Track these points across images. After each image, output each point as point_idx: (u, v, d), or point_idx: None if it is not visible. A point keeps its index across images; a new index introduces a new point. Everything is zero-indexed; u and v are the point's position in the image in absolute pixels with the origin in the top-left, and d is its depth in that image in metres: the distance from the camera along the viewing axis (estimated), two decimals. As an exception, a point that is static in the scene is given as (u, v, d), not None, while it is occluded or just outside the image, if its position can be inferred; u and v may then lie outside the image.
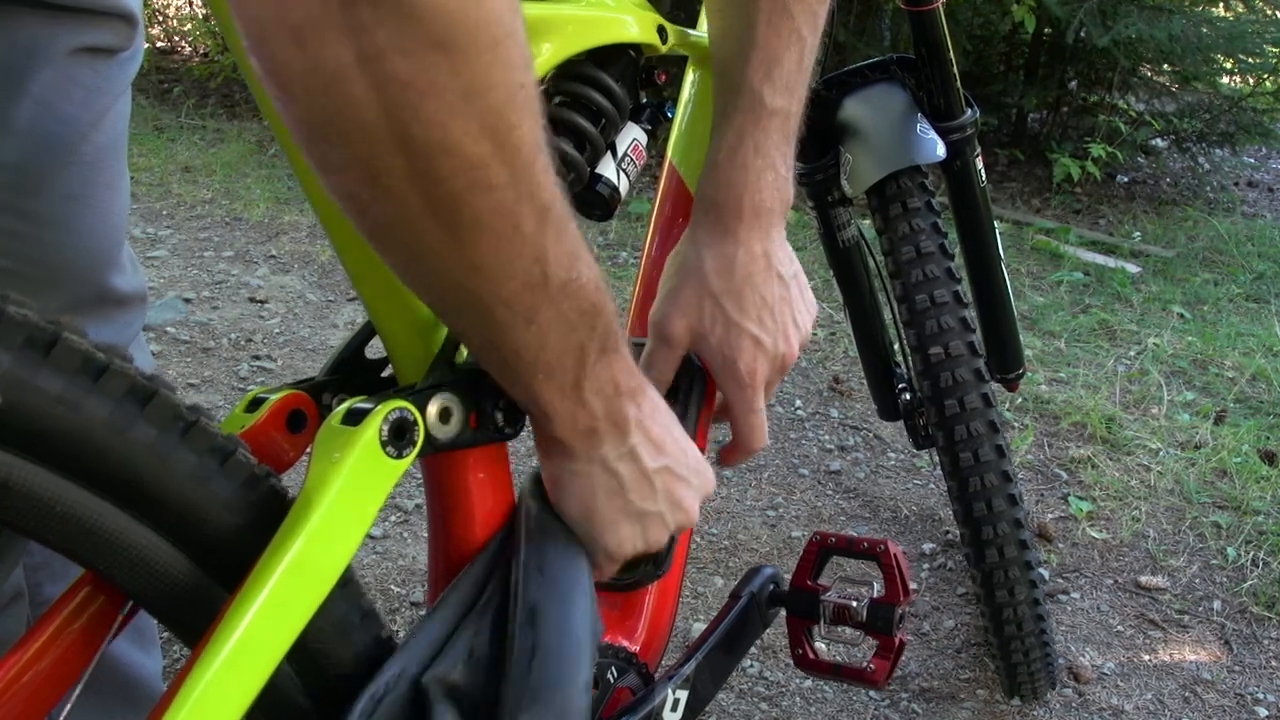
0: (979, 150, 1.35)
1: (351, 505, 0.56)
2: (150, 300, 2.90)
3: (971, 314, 1.27)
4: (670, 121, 0.93)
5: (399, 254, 0.52)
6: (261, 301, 3.05)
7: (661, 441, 0.68)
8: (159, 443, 0.52)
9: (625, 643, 0.87)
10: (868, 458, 2.32)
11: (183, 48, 6.04)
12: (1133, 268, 3.65)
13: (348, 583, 0.61)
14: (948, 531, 2.04)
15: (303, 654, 0.59)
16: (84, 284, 0.83)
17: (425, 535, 1.94)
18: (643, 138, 0.81)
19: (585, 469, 0.65)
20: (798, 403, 2.57)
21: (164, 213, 3.97)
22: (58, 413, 0.48)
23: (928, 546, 1.99)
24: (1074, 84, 4.72)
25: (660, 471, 0.68)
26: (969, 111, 1.30)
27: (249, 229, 3.73)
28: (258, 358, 2.66)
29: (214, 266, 3.34)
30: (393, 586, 1.75)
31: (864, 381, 2.71)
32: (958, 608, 1.82)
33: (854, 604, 0.88)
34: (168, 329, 2.80)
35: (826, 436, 2.41)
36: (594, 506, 0.66)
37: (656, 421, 0.67)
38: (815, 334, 2.99)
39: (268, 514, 0.57)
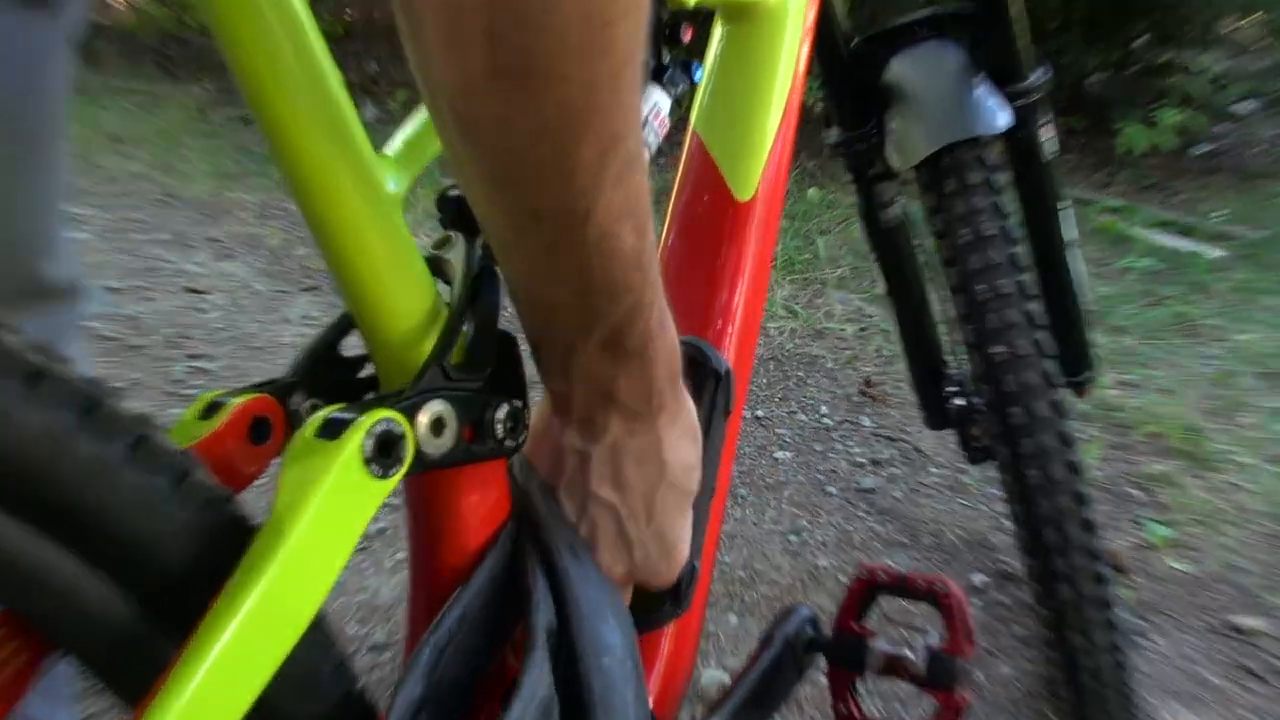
0: (1049, 117, 1.33)
1: (328, 534, 0.54)
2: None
3: (1039, 308, 1.26)
4: (696, 84, 0.92)
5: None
6: (200, 292, 3.03)
7: (626, 484, 0.69)
8: (101, 461, 0.50)
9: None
10: (906, 473, 2.31)
11: (108, -3, 6.03)
12: (1214, 252, 3.63)
13: (317, 627, 0.59)
14: (1000, 560, 2.03)
15: (260, 715, 0.57)
16: (13, 274, 0.82)
17: (388, 565, 1.93)
18: (665, 102, 0.79)
19: (553, 428, 0.68)
20: (823, 409, 2.57)
21: (88, 189, 3.96)
22: None
23: (978, 578, 1.98)
24: (1142, 41, 4.71)
25: (601, 504, 0.69)
26: (1038, 71, 1.29)
27: (187, 208, 3.72)
28: (195, 357, 2.64)
29: (145, 251, 3.33)
30: (350, 625, 1.73)
31: (899, 385, 2.72)
32: (1015, 651, 1.80)
33: (909, 653, 0.87)
34: (90, 323, 2.78)
35: (857, 449, 2.40)
36: (560, 471, 0.69)
37: (641, 466, 0.69)
38: (843, 330, 2.98)
39: (227, 546, 0.55)
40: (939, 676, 0.86)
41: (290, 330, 2.82)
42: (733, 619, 1.85)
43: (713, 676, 1.68)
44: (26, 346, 0.48)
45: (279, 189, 3.98)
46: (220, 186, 3.94)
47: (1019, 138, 1.33)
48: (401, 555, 1.95)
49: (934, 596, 0.88)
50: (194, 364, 2.60)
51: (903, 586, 0.90)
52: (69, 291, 0.89)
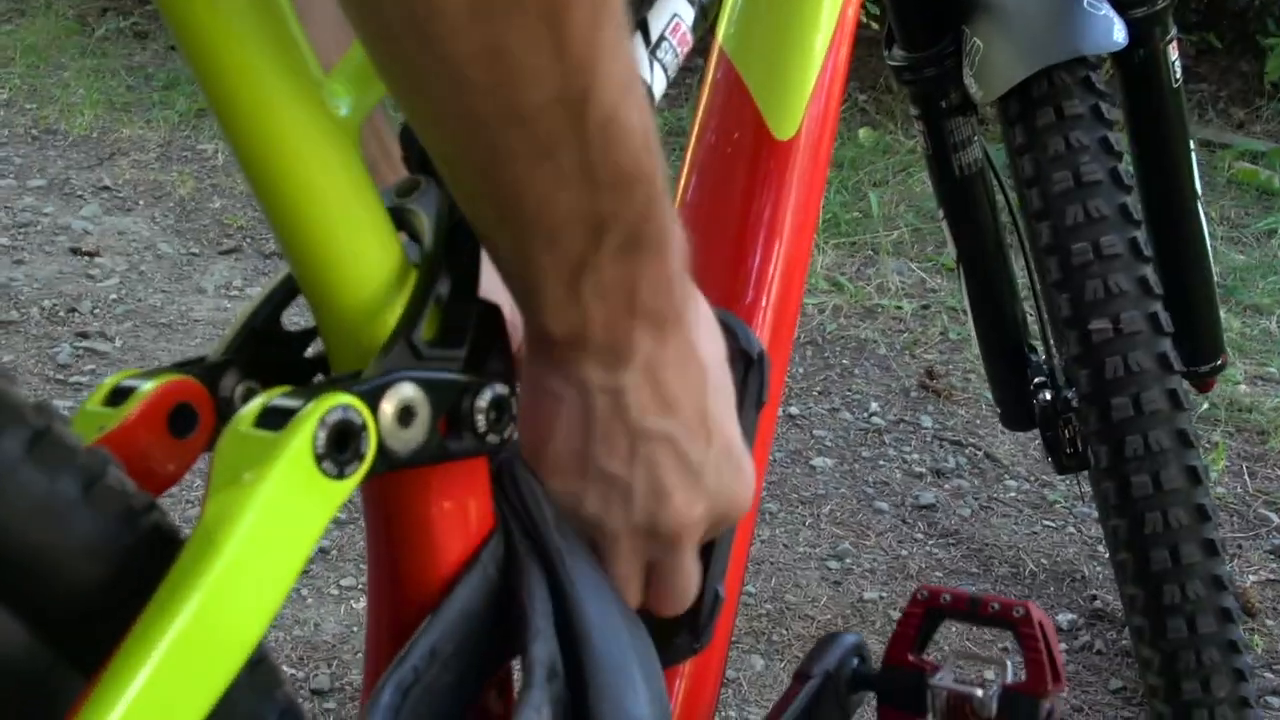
0: (1173, 33, 1.34)
1: (271, 548, 0.55)
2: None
3: (1154, 274, 1.27)
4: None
5: (392, 16, 0.54)
6: (90, 254, 3.04)
7: (675, 402, 0.69)
8: None
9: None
10: (975, 487, 2.33)
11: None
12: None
13: (258, 664, 0.60)
14: (1094, 597, 2.04)
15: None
16: None
17: (332, 593, 1.94)
18: (687, 11, 0.80)
19: (558, 387, 0.68)
20: (874, 406, 2.58)
21: (-60, 122, 3.96)
22: None
23: (1065, 618, 1.99)
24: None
25: (653, 438, 0.70)
26: None
27: (69, 147, 3.72)
28: (85, 335, 2.65)
29: (16, 201, 3.33)
30: (286, 666, 1.75)
31: (969, 377, 2.73)
32: (1111, 710, 1.82)
33: (979, 692, 0.88)
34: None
35: (915, 455, 2.42)
36: (550, 433, 0.69)
37: (683, 376, 0.69)
38: (899, 307, 2.99)
39: (149, 563, 0.55)
40: None
41: (205, 303, 2.83)
42: (758, 662, 1.87)
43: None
44: None
45: (186, 124, 3.99)
46: (110, 120, 3.94)
47: (1136, 59, 1.33)
48: (348, 581, 1.97)
49: (1011, 622, 0.89)
50: (84, 344, 2.61)
51: (972, 610, 0.90)
52: None
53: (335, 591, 1.95)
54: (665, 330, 0.68)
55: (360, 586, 1.96)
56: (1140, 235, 1.26)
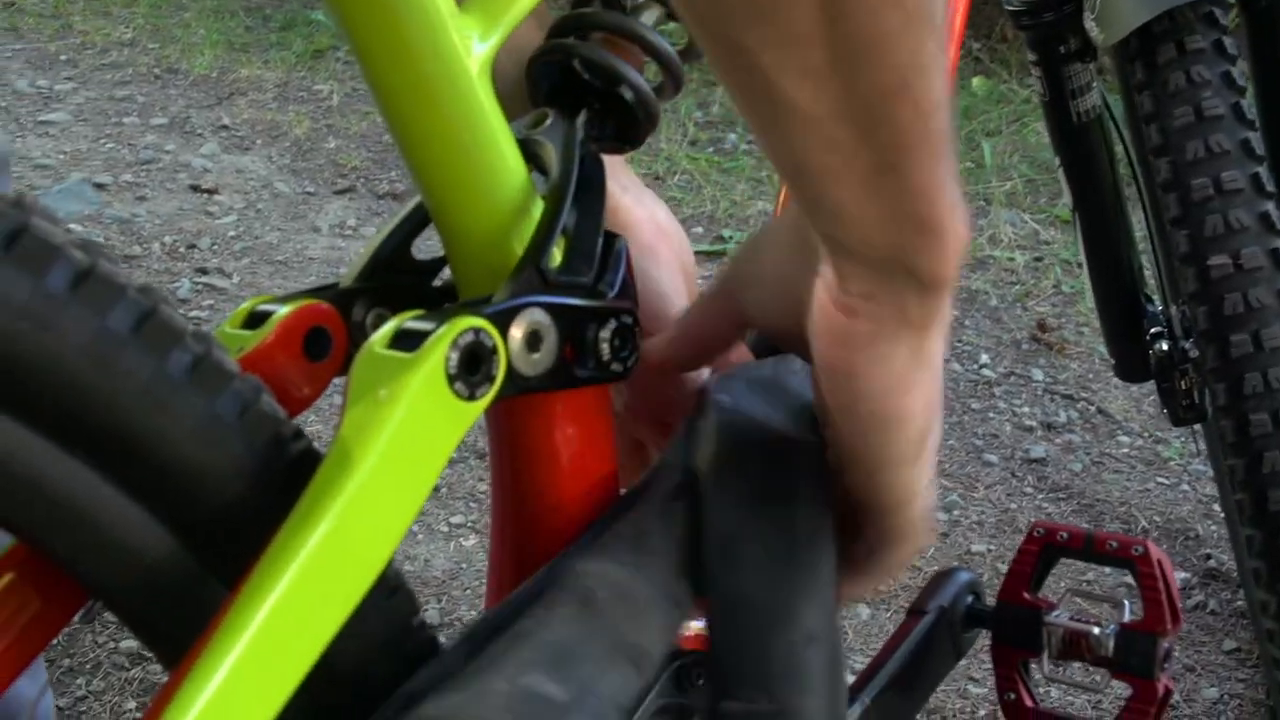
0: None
1: (405, 465, 0.57)
2: (44, 184, 2.96)
3: (1276, 211, 1.25)
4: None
5: None
6: (209, 191, 3.10)
7: None
8: (156, 381, 0.53)
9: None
10: (1087, 441, 2.31)
11: None
12: None
13: (395, 592, 0.62)
14: (1208, 556, 2.02)
15: (323, 682, 0.60)
16: None
17: (442, 529, 1.98)
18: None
19: (935, 345, 0.63)
20: (984, 358, 2.56)
21: (62, 57, 4.04)
22: (20, 331, 0.49)
23: (1179, 577, 1.97)
24: None
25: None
26: None
27: (189, 86, 3.78)
28: (204, 271, 2.71)
29: (139, 139, 3.40)
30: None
31: (1082, 330, 2.70)
32: (1224, 670, 1.80)
33: (1096, 630, 0.88)
34: (72, 226, 2.85)
35: (1026, 408, 2.40)
36: (938, 404, 0.65)
37: None
38: (1011, 258, 2.96)
39: (288, 481, 0.57)
40: (1131, 658, 0.86)
41: (320, 241, 2.87)
42: (864, 611, 1.87)
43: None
44: (70, 241, 0.51)
45: (302, 65, 4.03)
46: (230, 60, 3.99)
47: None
48: (457, 519, 2.00)
49: (1128, 560, 0.89)
50: (203, 280, 2.67)
51: (1089, 548, 0.90)
52: None
53: (445, 529, 1.98)
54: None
55: (469, 524, 1.99)
56: (1263, 171, 1.24)
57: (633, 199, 0.78)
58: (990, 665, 0.93)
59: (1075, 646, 0.88)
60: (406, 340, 0.59)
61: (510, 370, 0.62)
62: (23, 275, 0.49)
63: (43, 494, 0.52)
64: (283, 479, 0.57)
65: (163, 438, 0.54)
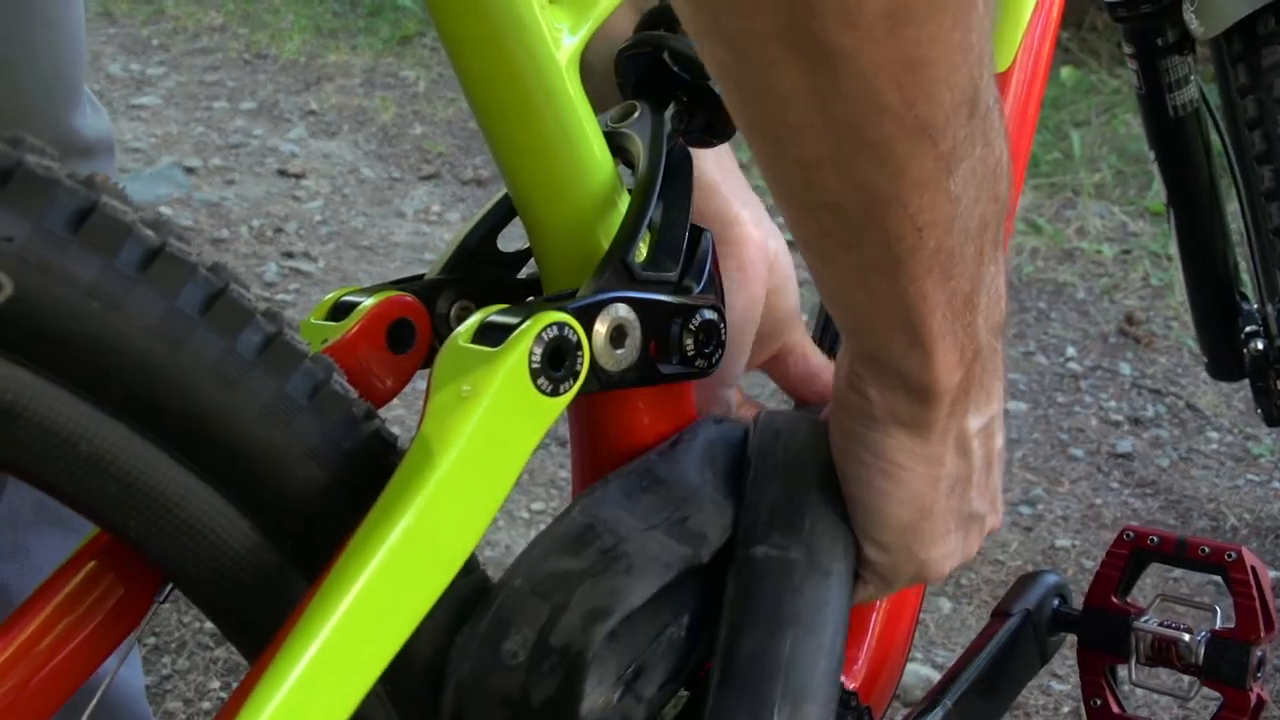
0: None
1: (488, 459, 0.57)
2: (135, 167, 2.99)
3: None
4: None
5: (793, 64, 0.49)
6: (296, 176, 3.12)
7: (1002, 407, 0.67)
8: (226, 360, 0.53)
9: (841, 677, 0.87)
10: (1175, 437, 2.28)
11: None
12: None
13: (471, 571, 0.62)
14: (1299, 553, 1.99)
15: (404, 673, 0.61)
16: (40, 127, 0.86)
17: (523, 516, 1.98)
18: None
19: (934, 451, 0.64)
20: (1070, 350, 2.53)
21: (154, 42, 4.09)
22: (90, 311, 0.49)
23: (1270, 576, 1.94)
24: None
25: (1002, 453, 0.68)
26: None
27: (278, 71, 3.82)
28: (290, 255, 2.73)
29: (227, 124, 3.43)
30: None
31: (1171, 324, 2.67)
32: (1312, 668, 1.78)
33: (1186, 636, 0.86)
34: (162, 208, 2.89)
35: (1112, 403, 2.37)
36: (931, 506, 0.66)
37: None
38: (1100, 251, 2.93)
39: (368, 469, 0.57)
40: (1221, 666, 0.85)
41: (405, 227, 2.89)
42: (946, 605, 1.86)
43: (918, 673, 1.70)
44: (140, 219, 0.51)
45: (389, 51, 4.06)
46: (317, 45, 4.03)
47: None
48: (538, 506, 2.00)
49: (1221, 567, 0.87)
50: (289, 264, 2.69)
51: (1180, 553, 0.89)
52: (100, 149, 0.94)
53: (525, 515, 1.99)
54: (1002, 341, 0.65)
55: (550, 511, 1.99)
56: None
57: (751, 217, 0.76)
58: (1074, 661, 0.92)
59: (1164, 653, 0.87)
60: (490, 334, 0.59)
61: (594, 366, 0.62)
62: (92, 254, 0.49)
63: (113, 475, 0.53)
64: (356, 461, 0.57)
65: (232, 418, 0.54)
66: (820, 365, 0.82)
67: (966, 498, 0.67)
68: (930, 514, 0.66)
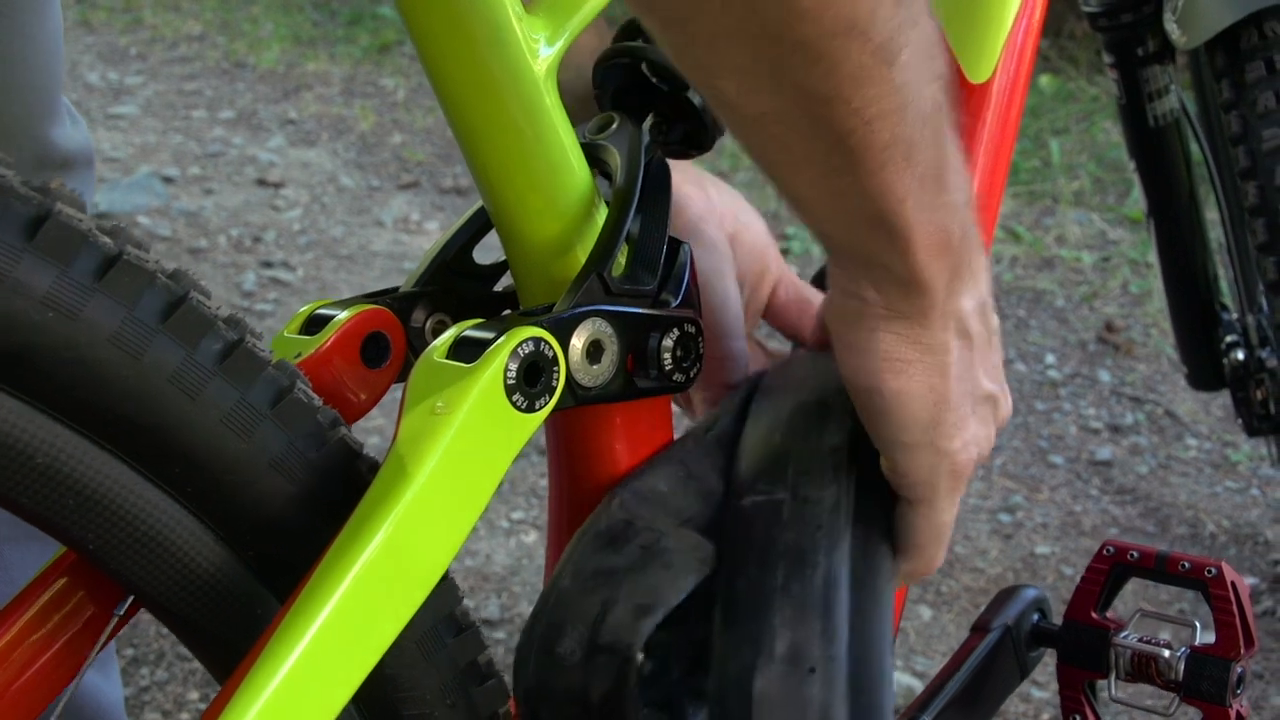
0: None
1: (462, 477, 0.56)
2: (113, 177, 2.98)
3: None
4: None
5: None
6: (275, 185, 3.11)
7: (985, 284, 0.68)
8: (186, 369, 0.52)
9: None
10: (1154, 444, 2.28)
11: None
12: None
13: (445, 588, 0.61)
14: (1277, 562, 1.99)
15: (370, 684, 0.60)
16: (19, 140, 0.86)
17: (502, 526, 1.97)
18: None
19: (938, 339, 0.64)
20: (1049, 358, 2.54)
21: (132, 51, 4.08)
22: (44, 321, 0.49)
23: (1247, 583, 1.94)
24: None
25: (998, 330, 0.69)
26: None
27: (256, 81, 3.81)
28: (269, 265, 2.72)
29: (206, 133, 3.42)
30: (456, 598, 1.78)
31: (1150, 332, 2.67)
32: (1292, 675, 1.78)
33: (1166, 652, 0.86)
34: (140, 218, 2.88)
35: (1092, 410, 2.38)
36: (947, 395, 0.65)
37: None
38: (1079, 258, 2.93)
39: (335, 479, 0.57)
40: (1201, 682, 0.85)
41: (384, 236, 2.88)
42: (925, 612, 1.86)
43: (898, 681, 1.69)
44: (94, 228, 0.50)
45: (369, 60, 4.05)
46: (296, 54, 4.02)
47: None
48: (518, 515, 2.00)
49: (1201, 582, 0.87)
50: (268, 273, 2.68)
51: (1160, 568, 0.88)
52: (79, 161, 0.93)
53: (506, 524, 1.98)
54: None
55: (530, 520, 1.99)
56: None
57: (681, 175, 0.76)
58: (1055, 669, 0.92)
59: (1144, 669, 0.87)
60: (466, 349, 0.59)
61: (570, 381, 0.61)
62: (47, 263, 0.48)
63: (71, 487, 0.52)
64: (322, 471, 0.57)
65: (193, 428, 0.53)
66: (812, 294, 0.83)
67: (976, 380, 0.67)
68: (948, 403, 0.66)
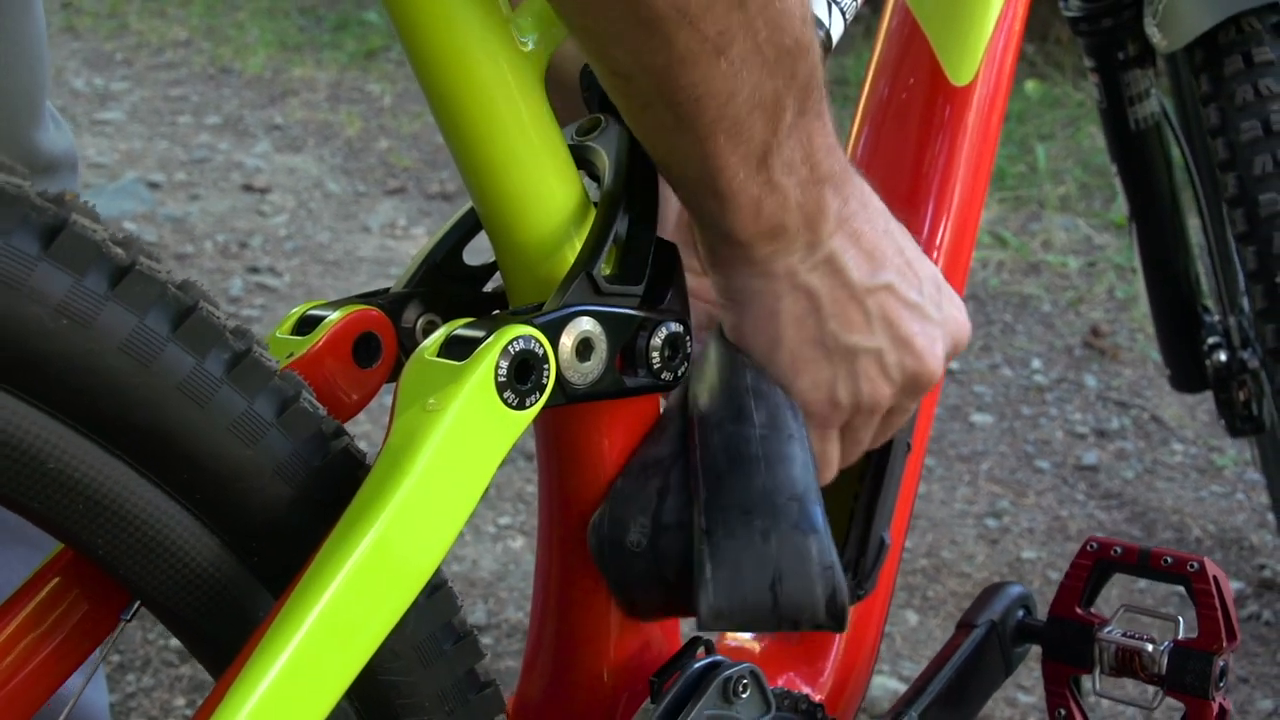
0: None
1: (453, 474, 0.57)
2: (98, 183, 2.98)
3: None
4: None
5: None
6: (261, 191, 3.11)
7: (876, 251, 0.71)
8: (196, 378, 0.53)
9: (807, 689, 0.88)
10: (1140, 449, 2.29)
11: None
12: None
13: (437, 588, 0.62)
14: (1263, 566, 2.00)
15: (369, 689, 0.61)
16: (2, 144, 0.86)
17: (489, 531, 1.98)
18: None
19: (767, 286, 0.69)
20: (1035, 363, 2.54)
21: (118, 57, 4.07)
22: (58, 329, 0.49)
23: (1232, 587, 1.95)
24: None
25: (876, 292, 0.71)
26: None
27: (243, 86, 3.80)
28: (256, 270, 2.72)
29: (192, 139, 3.42)
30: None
31: (1136, 336, 2.68)
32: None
33: (1149, 647, 0.87)
34: (126, 224, 2.87)
35: (1078, 415, 2.38)
36: (780, 336, 0.71)
37: (870, 223, 0.71)
38: (1065, 263, 2.94)
39: (337, 487, 0.57)
40: (1185, 676, 0.85)
41: (370, 241, 2.88)
42: (912, 617, 1.86)
43: (885, 685, 1.70)
44: (109, 237, 0.51)
45: (355, 65, 4.05)
46: (282, 60, 4.02)
47: None
48: (505, 520, 2.00)
49: (1184, 577, 0.87)
50: (255, 279, 2.68)
51: (1144, 564, 0.89)
52: (63, 165, 0.93)
53: (493, 530, 1.98)
54: (843, 186, 0.69)
55: (517, 526, 1.99)
56: None
57: None
58: (1041, 673, 0.92)
59: (1128, 663, 0.87)
60: (456, 348, 0.59)
61: (560, 379, 0.62)
62: (61, 273, 0.49)
63: (81, 492, 0.53)
64: (325, 478, 0.58)
65: (201, 436, 0.54)
66: None
67: (825, 329, 0.71)
68: (779, 343, 0.71)
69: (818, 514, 0.68)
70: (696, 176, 0.65)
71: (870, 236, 0.70)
